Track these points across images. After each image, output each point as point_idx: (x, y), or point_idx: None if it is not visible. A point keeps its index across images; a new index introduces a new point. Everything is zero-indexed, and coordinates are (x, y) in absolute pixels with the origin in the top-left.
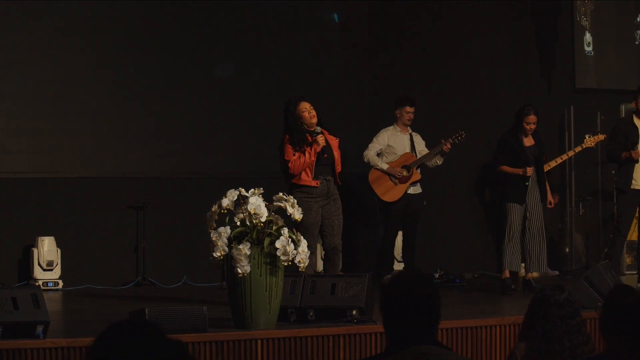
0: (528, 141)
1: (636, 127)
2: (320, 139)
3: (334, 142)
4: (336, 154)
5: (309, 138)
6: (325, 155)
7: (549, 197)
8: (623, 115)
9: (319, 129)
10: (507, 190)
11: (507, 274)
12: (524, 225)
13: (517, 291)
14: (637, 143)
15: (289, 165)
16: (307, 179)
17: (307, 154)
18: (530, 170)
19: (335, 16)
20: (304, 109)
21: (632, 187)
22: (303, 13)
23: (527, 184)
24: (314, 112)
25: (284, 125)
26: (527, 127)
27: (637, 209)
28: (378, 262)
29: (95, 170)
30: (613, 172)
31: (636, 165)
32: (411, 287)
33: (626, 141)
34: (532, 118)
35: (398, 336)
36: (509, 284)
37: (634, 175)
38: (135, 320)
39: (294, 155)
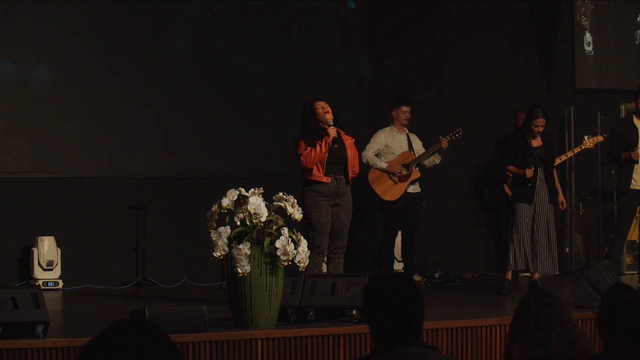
0: (535, 142)
1: (636, 128)
2: (331, 130)
3: (349, 141)
4: (350, 153)
5: (321, 132)
6: (336, 146)
7: (561, 197)
8: (623, 116)
9: (331, 122)
10: (516, 190)
11: (509, 275)
12: (532, 227)
13: (520, 291)
14: (637, 143)
15: (301, 158)
16: (318, 174)
17: (318, 147)
18: (529, 172)
19: (352, 4)
20: (318, 106)
21: (632, 187)
22: (303, 14)
23: (529, 185)
24: (328, 109)
25: (301, 124)
26: (535, 129)
27: (638, 209)
28: (378, 262)
29: (95, 170)
30: (613, 172)
31: (636, 165)
32: (391, 288)
33: (626, 142)
34: (541, 121)
35: (382, 338)
36: (505, 286)
37: (634, 175)
38: (134, 321)
39: (306, 149)
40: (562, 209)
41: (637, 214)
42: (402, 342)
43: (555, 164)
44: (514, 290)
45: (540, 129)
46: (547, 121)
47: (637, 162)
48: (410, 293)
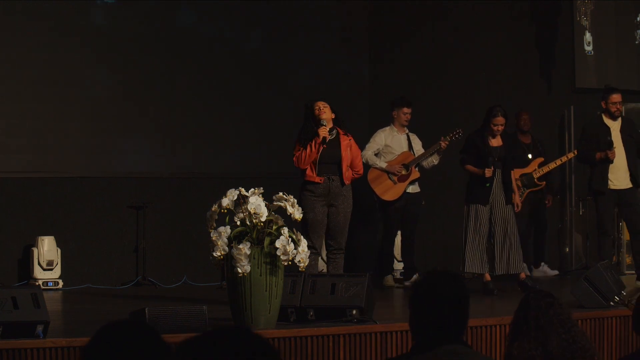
0: (495, 142)
1: (608, 128)
2: (321, 130)
3: (346, 142)
4: (344, 153)
5: (315, 132)
6: (325, 146)
7: (516, 199)
8: (623, 115)
9: (325, 121)
10: (472, 190)
11: (487, 277)
12: (489, 229)
13: (520, 291)
14: (610, 143)
15: (294, 159)
16: (311, 174)
17: (308, 148)
18: (488, 172)
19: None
20: (316, 107)
21: (608, 187)
22: (303, 13)
23: (487, 185)
24: (325, 109)
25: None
26: (495, 128)
27: (616, 209)
28: (378, 262)
29: (95, 170)
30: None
31: (611, 165)
32: (444, 286)
33: (598, 142)
34: (500, 120)
35: (427, 335)
36: (491, 287)
37: (610, 175)
38: (129, 320)
39: (299, 150)
40: (517, 211)
41: (619, 213)
42: (446, 340)
43: (556, 165)
44: (513, 291)
45: (500, 128)
46: (506, 120)
47: (612, 162)
48: (459, 292)
